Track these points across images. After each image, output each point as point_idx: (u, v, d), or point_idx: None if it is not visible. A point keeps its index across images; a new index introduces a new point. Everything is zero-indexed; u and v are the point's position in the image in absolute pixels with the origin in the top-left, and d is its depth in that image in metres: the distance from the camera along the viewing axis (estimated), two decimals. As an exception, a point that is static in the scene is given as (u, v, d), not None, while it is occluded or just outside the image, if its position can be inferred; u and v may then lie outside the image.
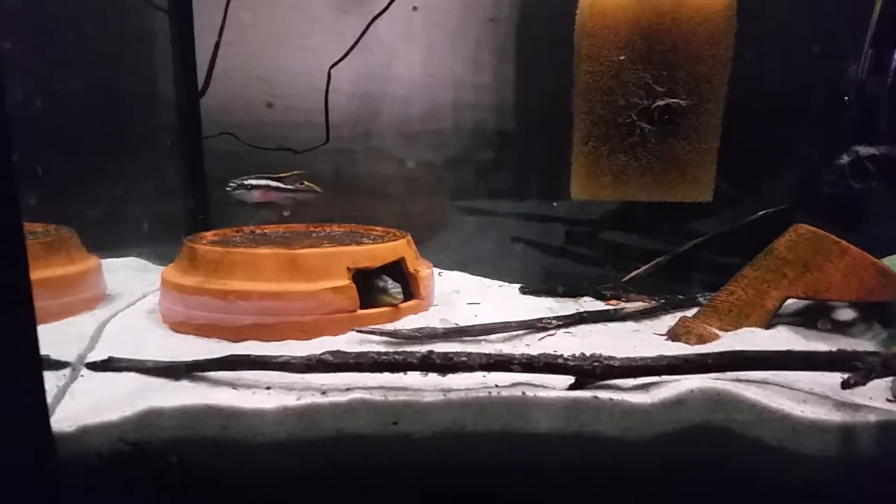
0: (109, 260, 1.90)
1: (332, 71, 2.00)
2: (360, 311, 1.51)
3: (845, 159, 1.62)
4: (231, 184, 1.78)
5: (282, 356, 1.17)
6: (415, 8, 2.05)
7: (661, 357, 1.15)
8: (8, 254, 0.88)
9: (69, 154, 1.92)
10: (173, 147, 2.02)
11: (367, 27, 1.95)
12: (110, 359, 1.27)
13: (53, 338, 1.41)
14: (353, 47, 1.96)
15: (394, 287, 1.57)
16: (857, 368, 1.08)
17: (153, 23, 2.00)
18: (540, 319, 1.57)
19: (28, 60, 1.81)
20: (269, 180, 1.80)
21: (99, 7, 2.02)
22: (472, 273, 2.15)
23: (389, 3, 1.94)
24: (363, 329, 1.45)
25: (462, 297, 1.85)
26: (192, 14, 1.96)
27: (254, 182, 1.77)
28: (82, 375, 1.24)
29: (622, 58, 1.79)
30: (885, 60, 1.72)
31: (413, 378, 1.18)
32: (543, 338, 1.52)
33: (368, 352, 1.17)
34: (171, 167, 2.04)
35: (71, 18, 1.97)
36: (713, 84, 1.79)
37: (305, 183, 1.82)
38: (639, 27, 1.77)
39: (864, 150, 1.59)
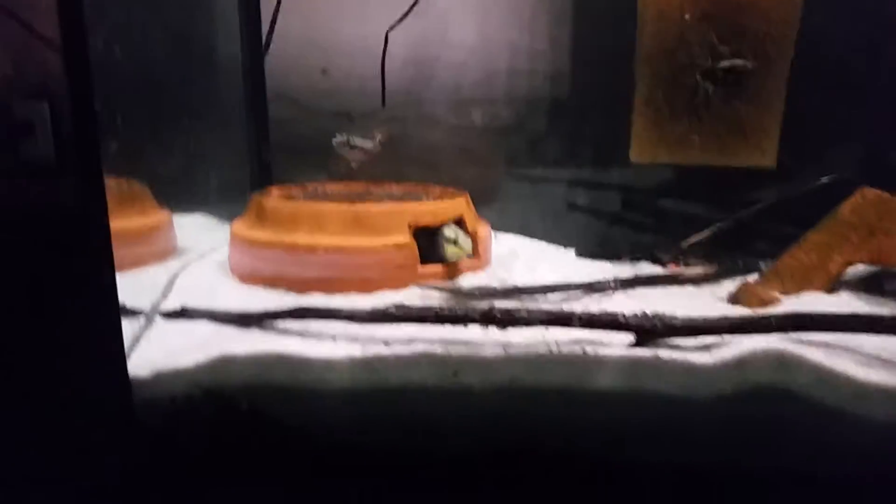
0: (176, 217, 1.95)
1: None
2: (419, 268, 1.54)
3: None
4: (338, 136, 1.84)
5: (348, 308, 1.21)
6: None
7: (723, 317, 1.15)
8: (92, 205, 0.92)
9: (140, 112, 1.96)
10: (240, 107, 2.06)
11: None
12: (184, 308, 1.32)
13: (127, 287, 1.46)
14: (410, 10, 1.95)
15: (464, 239, 1.56)
16: (925, 333, 1.07)
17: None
18: (598, 281, 1.58)
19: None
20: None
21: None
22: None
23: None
24: (424, 284, 1.47)
25: (518, 259, 1.85)
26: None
27: (359, 143, 1.86)
28: (156, 323, 1.29)
29: (687, 17, 1.75)
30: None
31: (473, 332, 1.20)
32: (601, 299, 1.52)
33: (431, 306, 1.19)
34: (236, 128, 2.08)
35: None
36: (780, 45, 1.74)
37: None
38: (705, -15, 1.74)
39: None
